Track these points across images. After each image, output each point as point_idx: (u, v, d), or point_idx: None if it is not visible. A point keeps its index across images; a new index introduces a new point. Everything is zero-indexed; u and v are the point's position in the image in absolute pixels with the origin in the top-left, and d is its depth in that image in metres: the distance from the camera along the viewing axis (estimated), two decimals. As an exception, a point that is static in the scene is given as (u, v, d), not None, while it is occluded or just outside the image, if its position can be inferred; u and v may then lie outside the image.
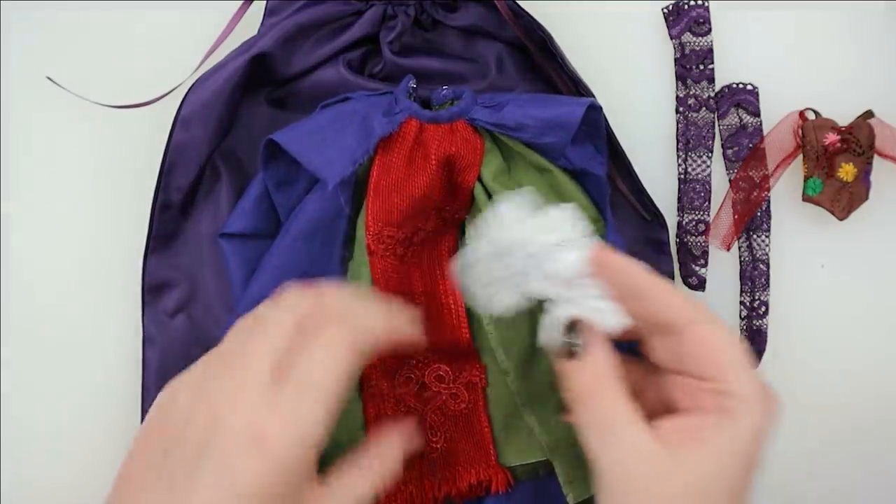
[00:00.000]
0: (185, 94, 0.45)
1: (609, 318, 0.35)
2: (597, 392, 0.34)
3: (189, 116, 0.44)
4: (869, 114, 0.49)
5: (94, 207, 0.50)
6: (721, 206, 0.50)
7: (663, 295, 0.35)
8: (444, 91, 0.44)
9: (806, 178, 0.49)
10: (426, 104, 0.44)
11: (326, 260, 0.44)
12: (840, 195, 0.49)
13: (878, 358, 0.52)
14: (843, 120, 0.49)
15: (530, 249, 0.35)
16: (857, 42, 0.51)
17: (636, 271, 0.35)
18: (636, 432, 0.33)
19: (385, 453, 0.37)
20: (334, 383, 0.32)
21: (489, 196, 0.44)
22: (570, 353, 0.35)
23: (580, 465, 0.44)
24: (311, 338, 0.33)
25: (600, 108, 0.43)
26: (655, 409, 0.35)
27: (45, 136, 0.50)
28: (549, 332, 0.36)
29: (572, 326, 0.36)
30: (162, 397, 0.34)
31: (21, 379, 0.49)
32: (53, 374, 0.49)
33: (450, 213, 0.44)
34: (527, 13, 0.45)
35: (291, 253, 0.43)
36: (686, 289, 0.50)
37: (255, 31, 0.46)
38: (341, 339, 0.33)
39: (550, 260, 0.35)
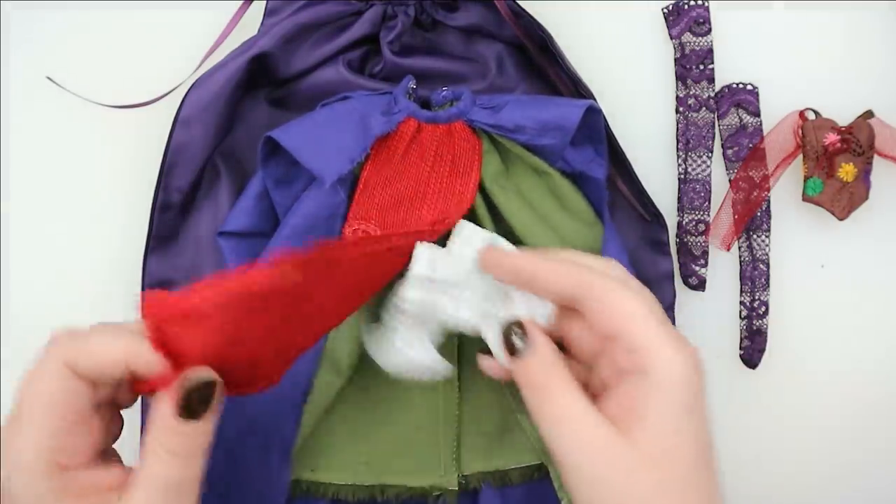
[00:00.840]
0: (185, 94, 0.45)
1: (535, 308, 0.36)
2: (547, 383, 0.33)
3: (189, 116, 0.44)
4: (869, 114, 0.49)
5: (94, 207, 0.50)
6: (721, 206, 0.50)
7: (553, 270, 0.35)
8: (444, 92, 0.44)
9: (806, 178, 0.49)
10: (426, 105, 0.44)
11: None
12: (840, 195, 0.49)
13: (878, 358, 0.52)
14: (843, 120, 0.49)
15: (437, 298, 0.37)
16: (857, 42, 0.51)
17: (519, 257, 0.36)
18: (590, 418, 0.32)
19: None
20: (47, 412, 0.33)
21: (486, 199, 0.43)
22: (515, 353, 0.35)
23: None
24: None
25: (599, 111, 0.43)
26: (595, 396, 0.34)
27: (45, 136, 0.50)
28: (498, 350, 0.36)
29: (512, 331, 0.35)
30: None
31: (21, 379, 0.49)
32: (53, 374, 0.49)
33: (448, 224, 0.44)
34: (527, 13, 0.45)
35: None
36: (686, 289, 0.50)
37: (255, 31, 0.46)
38: (52, 361, 0.33)
39: (461, 289, 0.37)
